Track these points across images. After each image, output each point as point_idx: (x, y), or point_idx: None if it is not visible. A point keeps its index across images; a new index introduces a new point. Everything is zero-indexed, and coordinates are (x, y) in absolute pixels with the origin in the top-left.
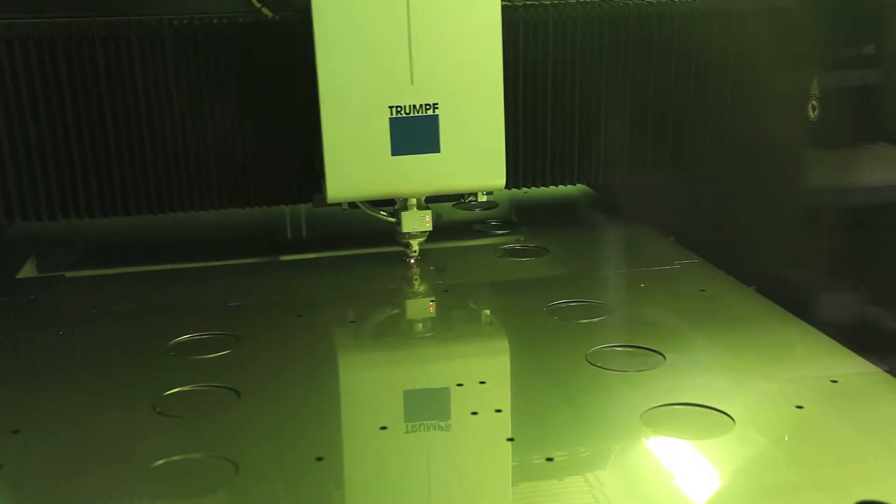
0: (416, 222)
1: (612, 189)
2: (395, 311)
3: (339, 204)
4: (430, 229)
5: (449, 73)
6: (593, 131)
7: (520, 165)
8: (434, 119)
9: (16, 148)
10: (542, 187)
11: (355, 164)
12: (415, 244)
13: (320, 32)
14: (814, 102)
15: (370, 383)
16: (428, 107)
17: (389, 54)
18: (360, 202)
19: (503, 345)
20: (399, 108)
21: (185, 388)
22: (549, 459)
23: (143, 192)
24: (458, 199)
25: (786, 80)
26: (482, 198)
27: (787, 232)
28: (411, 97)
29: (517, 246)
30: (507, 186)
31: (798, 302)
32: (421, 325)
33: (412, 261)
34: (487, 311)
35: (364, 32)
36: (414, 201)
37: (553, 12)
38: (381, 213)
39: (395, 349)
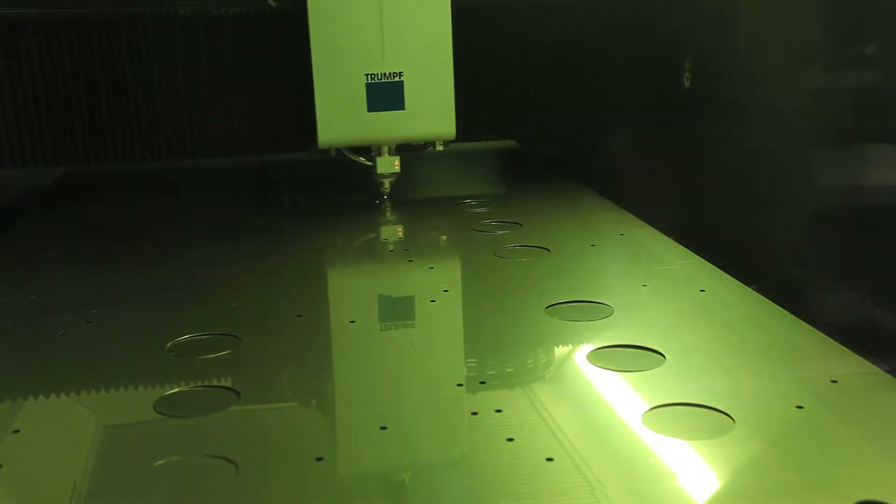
0: (388, 165)
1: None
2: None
3: (329, 151)
4: (399, 171)
5: (411, 49)
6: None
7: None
8: (400, 84)
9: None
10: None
11: (340, 117)
12: (386, 183)
13: (314, 17)
14: (687, 74)
15: (370, 382)
16: (395, 74)
17: (366, 34)
18: (343, 149)
19: (503, 346)
20: (373, 76)
21: (185, 388)
22: (549, 459)
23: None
24: (421, 148)
25: (784, 80)
26: (439, 147)
27: (787, 232)
28: (382, 67)
29: (517, 246)
30: (459, 139)
31: (798, 302)
32: (416, 314)
33: (385, 196)
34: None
35: (346, 17)
36: (386, 149)
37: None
38: (361, 158)
39: (392, 342)
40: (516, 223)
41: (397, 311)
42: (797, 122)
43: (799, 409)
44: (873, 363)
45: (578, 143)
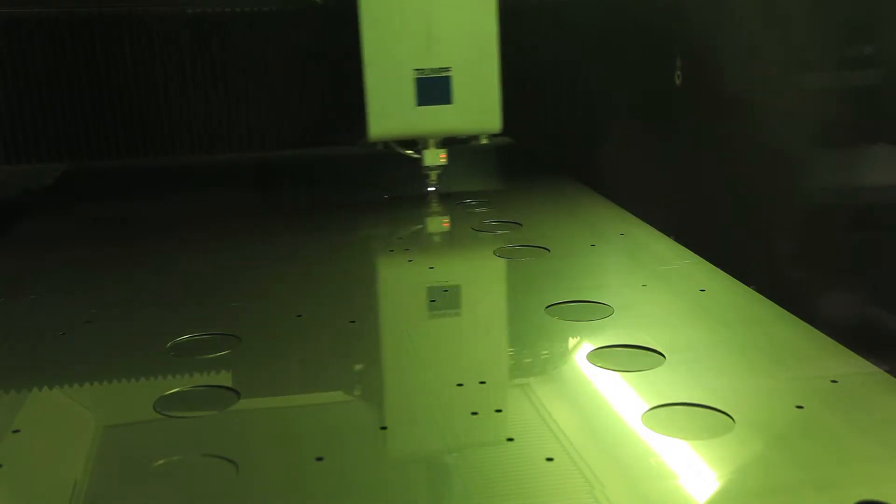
0: (435, 158)
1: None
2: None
3: (376, 144)
4: (446, 164)
5: (458, 44)
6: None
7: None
8: (447, 79)
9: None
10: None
11: (390, 111)
12: (433, 175)
13: (365, 14)
14: (678, 73)
15: (370, 382)
16: (443, 70)
17: (415, 31)
18: (392, 143)
19: (503, 346)
20: (422, 71)
21: (185, 388)
22: (549, 459)
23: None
24: (465, 141)
25: (782, 78)
26: (484, 140)
27: (787, 232)
28: (431, 62)
29: (517, 246)
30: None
31: (798, 302)
32: (423, 317)
33: (432, 188)
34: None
35: (396, 14)
36: (432, 142)
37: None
38: (408, 151)
39: (392, 342)
40: (516, 223)
41: (397, 311)
42: (797, 121)
43: (799, 409)
44: (873, 363)
45: (577, 141)
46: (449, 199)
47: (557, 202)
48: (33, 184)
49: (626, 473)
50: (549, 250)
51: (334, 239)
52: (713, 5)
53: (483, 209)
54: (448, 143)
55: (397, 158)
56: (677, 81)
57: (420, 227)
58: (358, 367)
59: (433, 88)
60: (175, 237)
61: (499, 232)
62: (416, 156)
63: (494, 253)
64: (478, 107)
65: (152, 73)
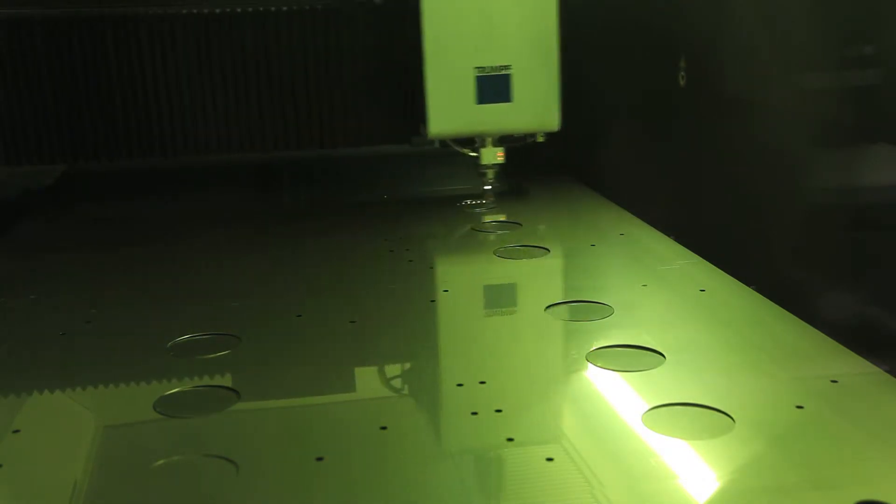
0: (492, 156)
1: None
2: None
3: (433, 142)
4: (503, 162)
5: (519, 43)
6: None
7: None
8: (507, 77)
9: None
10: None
11: (450, 109)
12: (490, 173)
13: (427, 11)
14: (682, 73)
15: (370, 382)
16: (503, 68)
17: (476, 29)
18: (449, 141)
19: (503, 346)
20: (482, 69)
21: (185, 388)
22: (549, 459)
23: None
24: (521, 140)
25: (783, 78)
26: (540, 138)
27: (787, 232)
28: (491, 60)
29: (517, 246)
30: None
31: (798, 302)
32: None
33: (489, 186)
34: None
35: (458, 11)
36: (490, 140)
37: None
38: (465, 150)
39: (392, 342)
40: (516, 223)
41: (397, 311)
42: (797, 121)
43: (799, 409)
44: (873, 363)
45: (577, 141)
46: (449, 200)
47: (557, 202)
48: (33, 184)
49: (626, 473)
50: (549, 250)
51: (334, 239)
52: (713, 5)
53: (483, 209)
54: (504, 140)
55: (397, 158)
56: (681, 82)
57: (421, 227)
58: (358, 367)
59: (493, 86)
60: (175, 237)
61: (499, 232)
62: (473, 153)
63: (494, 253)
64: (537, 105)
65: (153, 73)
